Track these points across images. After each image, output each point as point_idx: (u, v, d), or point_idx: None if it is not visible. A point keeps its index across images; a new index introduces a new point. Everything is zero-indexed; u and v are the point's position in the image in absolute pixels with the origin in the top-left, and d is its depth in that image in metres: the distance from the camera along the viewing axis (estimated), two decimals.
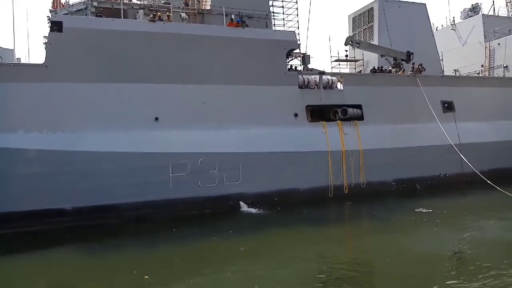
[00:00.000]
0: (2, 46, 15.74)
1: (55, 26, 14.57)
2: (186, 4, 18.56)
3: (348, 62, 22.73)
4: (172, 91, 15.69)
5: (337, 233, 13.67)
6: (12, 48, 15.62)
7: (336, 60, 22.42)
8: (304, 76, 18.48)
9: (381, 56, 21.73)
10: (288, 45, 18.17)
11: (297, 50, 19.47)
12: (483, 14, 28.44)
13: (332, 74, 19.65)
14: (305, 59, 19.75)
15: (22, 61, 16.24)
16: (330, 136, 17.85)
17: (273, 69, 17.49)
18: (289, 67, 19.30)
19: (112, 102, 14.78)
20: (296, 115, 17.54)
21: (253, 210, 15.81)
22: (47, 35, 14.85)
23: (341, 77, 19.48)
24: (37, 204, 13.25)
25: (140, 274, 9.76)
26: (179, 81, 15.86)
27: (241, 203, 16.03)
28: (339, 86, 19.34)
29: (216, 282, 9.31)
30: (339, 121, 18.32)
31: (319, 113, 18.32)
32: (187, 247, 12.02)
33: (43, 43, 15.78)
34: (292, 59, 20.25)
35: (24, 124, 13.60)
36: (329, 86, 18.90)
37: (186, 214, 14.93)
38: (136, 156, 14.42)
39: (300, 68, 19.85)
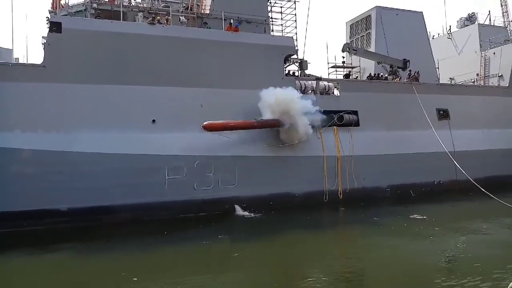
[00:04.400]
0: (1, 46, 15.79)
1: (54, 27, 14.62)
2: (186, 8, 18.70)
3: (345, 69, 22.88)
4: (170, 93, 15.74)
5: (332, 239, 13.68)
6: (11, 48, 15.66)
7: (333, 67, 22.58)
8: (301, 81, 18.63)
9: (378, 63, 21.93)
10: (286, 50, 18.31)
11: (295, 56, 19.60)
12: (479, 24, 28.76)
13: (329, 80, 19.82)
14: (303, 64, 19.86)
15: (20, 61, 16.24)
16: (326, 142, 17.96)
17: (271, 74, 17.59)
18: (286, 72, 19.41)
19: (110, 104, 14.80)
20: None
21: (248, 214, 15.83)
22: (46, 35, 14.93)
23: (338, 83, 19.67)
24: (32, 204, 13.23)
25: (128, 276, 9.72)
26: (177, 84, 15.92)
27: (236, 206, 16.04)
28: (336, 92, 19.51)
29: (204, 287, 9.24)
30: (335, 127, 18.42)
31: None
32: (179, 250, 11.99)
33: (42, 43, 15.87)
34: (289, 65, 20.36)
35: (21, 123, 13.61)
36: (326, 92, 19.07)
37: (181, 217, 14.94)
38: (132, 158, 14.44)
39: (297, 73, 19.96)
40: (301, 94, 17.30)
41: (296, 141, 16.87)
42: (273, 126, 16.59)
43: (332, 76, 22.04)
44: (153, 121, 15.34)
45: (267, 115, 16.27)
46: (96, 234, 13.27)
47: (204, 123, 14.91)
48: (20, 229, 13.00)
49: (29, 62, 15.47)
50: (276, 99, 16.26)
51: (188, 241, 12.75)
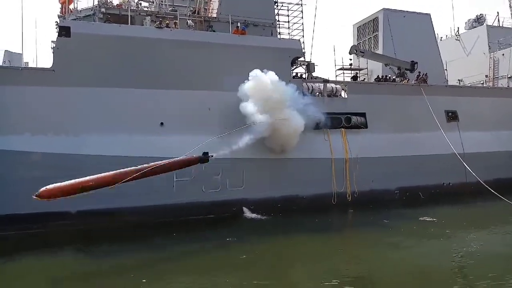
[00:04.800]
0: (11, 50, 15.99)
1: (63, 31, 14.79)
2: (193, 12, 18.82)
3: (353, 71, 22.81)
4: (178, 96, 15.81)
5: (341, 242, 13.56)
6: (21, 52, 15.89)
7: (340, 69, 22.52)
8: (308, 84, 18.59)
9: (385, 65, 21.84)
10: (293, 53, 18.32)
11: (302, 58, 19.60)
12: (487, 25, 28.57)
13: (336, 82, 19.76)
14: (310, 67, 19.79)
15: (30, 65, 16.45)
16: (334, 144, 17.90)
17: (278, 76, 17.55)
18: (293, 74, 19.40)
19: (118, 107, 14.91)
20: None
21: (256, 216, 15.78)
22: (55, 40, 15.12)
23: (345, 86, 19.60)
24: (41, 206, 13.27)
25: (137, 277, 9.78)
26: (185, 87, 15.99)
27: (244, 208, 16.04)
28: (343, 94, 19.45)
29: None
30: (342, 129, 18.34)
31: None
32: (187, 252, 12.02)
33: (51, 47, 16.05)
34: (296, 67, 20.35)
35: (30, 127, 13.75)
36: (333, 94, 19.02)
37: (190, 219, 14.94)
38: (141, 160, 14.39)
39: (304, 76, 19.94)
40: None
41: (287, 145, 16.15)
42: (164, 171, 12.70)
43: (340, 78, 21.98)
44: (161, 124, 15.41)
45: (245, 106, 15.41)
46: (104, 237, 13.33)
47: (40, 191, 10.87)
48: (29, 231, 13.08)
49: (39, 66, 15.68)
50: (254, 85, 15.20)
51: (196, 243, 12.78)
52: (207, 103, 16.19)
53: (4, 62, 15.50)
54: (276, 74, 16.37)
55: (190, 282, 9.58)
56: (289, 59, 18.17)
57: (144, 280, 9.63)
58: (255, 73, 15.76)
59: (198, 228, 14.56)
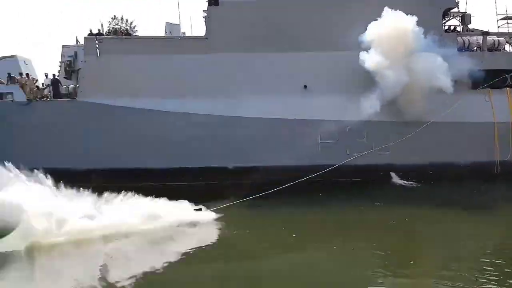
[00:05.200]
0: (170, 22, 17.60)
1: (212, 0, 15.57)
2: None
3: None
4: (320, 58, 15.57)
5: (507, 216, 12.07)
6: (178, 23, 17.37)
7: (503, 18, 19.21)
8: (464, 37, 16.47)
9: None
10: (444, 3, 16.55)
11: (455, 9, 17.33)
12: None
13: (499, 35, 17.08)
14: (465, 18, 17.57)
15: (187, 34, 17.93)
16: (497, 106, 15.69)
17: (427, 31, 15.84)
18: (446, 28, 17.34)
19: (266, 71, 15.43)
20: (455, 81, 15.70)
21: (405, 183, 15.14)
22: (206, 9, 16.09)
23: (510, 38, 16.81)
24: (204, 161, 14.74)
25: (287, 232, 10.44)
26: (327, 48, 15.59)
27: (392, 174, 15.44)
28: (508, 48, 16.79)
29: (356, 251, 9.26)
30: (508, 89, 15.89)
31: (482, 79, 16.09)
32: (334, 212, 12.28)
33: (203, 17, 17.19)
34: (449, 19, 18.19)
35: (191, 91, 15.14)
36: (495, 48, 16.51)
37: (334, 180, 14.78)
38: (287, 122, 14.97)
39: (459, 29, 17.68)
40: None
41: (419, 103, 14.61)
42: None
43: (503, 30, 18.84)
44: (305, 86, 15.49)
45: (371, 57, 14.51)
46: (252, 191, 13.63)
47: None
48: (197, 182, 14.55)
49: (194, 35, 16.98)
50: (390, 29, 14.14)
51: (343, 205, 12.95)
52: (348, 63, 15.53)
53: (166, 33, 17.21)
54: (425, 28, 14.81)
55: (335, 242, 9.77)
56: (440, 11, 16.42)
57: (294, 235, 10.22)
58: (389, 13, 14.66)
59: (343, 190, 14.45)
